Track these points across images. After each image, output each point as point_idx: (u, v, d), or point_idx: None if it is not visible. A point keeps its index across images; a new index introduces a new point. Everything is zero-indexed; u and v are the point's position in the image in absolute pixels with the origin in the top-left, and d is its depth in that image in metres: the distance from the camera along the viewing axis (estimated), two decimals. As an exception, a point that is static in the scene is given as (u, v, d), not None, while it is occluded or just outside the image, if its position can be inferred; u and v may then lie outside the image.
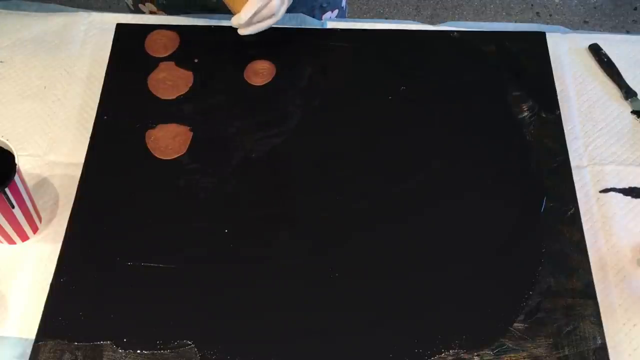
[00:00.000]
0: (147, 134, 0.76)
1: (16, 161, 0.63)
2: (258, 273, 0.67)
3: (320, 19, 0.98)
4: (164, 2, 0.90)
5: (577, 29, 1.28)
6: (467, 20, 2.02)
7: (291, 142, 0.77)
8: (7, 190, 0.62)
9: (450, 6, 2.07)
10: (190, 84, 0.81)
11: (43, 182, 0.74)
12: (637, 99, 0.81)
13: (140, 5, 0.94)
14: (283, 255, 0.68)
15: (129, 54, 0.83)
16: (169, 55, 0.83)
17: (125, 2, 0.98)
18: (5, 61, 0.84)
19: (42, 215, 0.71)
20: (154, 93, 0.80)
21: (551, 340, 0.63)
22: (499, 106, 0.79)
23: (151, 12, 0.94)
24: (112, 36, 0.84)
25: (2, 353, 0.63)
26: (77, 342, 0.63)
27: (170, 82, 0.81)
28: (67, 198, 0.73)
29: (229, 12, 0.89)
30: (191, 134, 0.77)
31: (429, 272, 0.67)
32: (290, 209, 0.71)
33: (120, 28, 0.85)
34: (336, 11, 1.00)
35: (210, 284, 0.67)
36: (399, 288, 0.66)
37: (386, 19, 1.98)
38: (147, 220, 0.71)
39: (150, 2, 0.93)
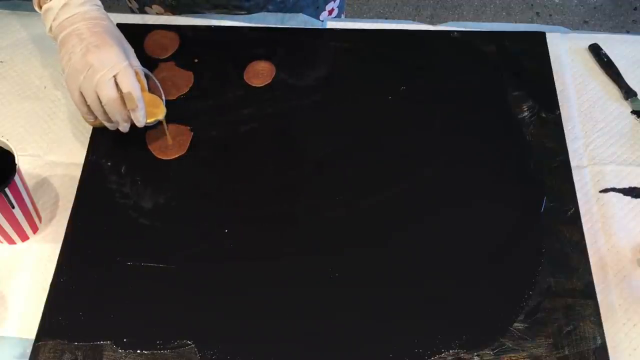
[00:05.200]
0: (147, 134, 0.76)
1: (16, 161, 0.63)
2: (258, 273, 0.67)
3: (324, 9, 0.98)
4: (173, 2, 0.90)
5: (577, 29, 1.28)
6: (467, 20, 2.02)
7: (291, 142, 0.77)
8: (7, 190, 0.62)
9: (450, 6, 2.07)
10: (190, 84, 0.81)
11: (43, 182, 0.74)
12: (637, 99, 0.81)
13: (147, 9, 0.94)
14: (283, 255, 0.68)
15: (129, 54, 0.83)
16: (169, 55, 0.83)
17: (130, 7, 0.98)
18: (5, 61, 0.84)
19: (42, 215, 0.71)
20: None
21: (551, 340, 0.63)
22: (499, 106, 0.79)
23: (158, 14, 0.94)
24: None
25: (2, 353, 0.63)
26: (77, 342, 0.63)
27: (170, 82, 0.81)
28: (67, 198, 0.73)
29: (232, 13, 0.90)
30: (191, 134, 0.77)
31: (429, 272, 0.67)
32: (290, 208, 0.71)
33: (120, 28, 0.85)
34: (338, 0, 1.00)
35: (210, 284, 0.67)
36: (399, 288, 0.66)
37: (386, 19, 1.98)
38: (147, 220, 0.71)
39: (158, 5, 0.92)
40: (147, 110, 0.71)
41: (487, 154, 0.75)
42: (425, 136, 0.77)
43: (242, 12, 0.90)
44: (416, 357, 0.62)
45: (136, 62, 0.72)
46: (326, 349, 0.63)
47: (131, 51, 0.73)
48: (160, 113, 0.73)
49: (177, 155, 0.75)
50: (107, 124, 0.72)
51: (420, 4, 2.07)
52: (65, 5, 0.69)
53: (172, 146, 0.75)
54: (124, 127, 0.72)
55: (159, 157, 0.75)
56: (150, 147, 0.75)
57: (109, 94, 0.67)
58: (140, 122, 0.70)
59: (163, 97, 0.74)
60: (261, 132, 0.77)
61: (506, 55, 0.83)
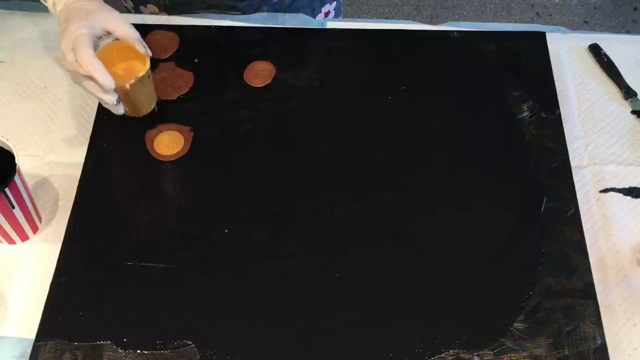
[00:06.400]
0: (147, 134, 0.76)
1: (16, 161, 0.63)
2: (258, 273, 0.67)
3: (320, 11, 0.98)
4: (167, 2, 0.90)
5: (577, 29, 1.28)
6: (467, 20, 2.02)
7: (291, 142, 0.77)
8: (7, 190, 0.62)
9: (450, 6, 2.07)
10: (190, 84, 0.81)
11: (43, 182, 0.74)
12: (637, 99, 0.81)
13: (142, 8, 0.94)
14: (283, 255, 0.68)
15: (129, 54, 0.83)
16: (169, 55, 0.83)
17: (125, 6, 0.98)
18: (5, 61, 0.84)
19: (42, 215, 0.71)
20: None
21: (551, 340, 0.63)
22: (499, 106, 0.79)
23: (153, 14, 0.94)
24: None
25: (2, 353, 0.63)
26: (77, 342, 0.63)
27: (170, 82, 0.81)
28: (67, 198, 0.73)
29: (233, 13, 0.90)
30: (192, 134, 0.77)
31: (429, 272, 0.67)
32: (290, 209, 0.71)
33: (120, 28, 0.85)
34: (334, 3, 1.00)
35: (210, 284, 0.67)
36: (399, 288, 0.66)
37: (386, 19, 1.98)
38: (147, 220, 0.71)
39: (153, 4, 0.92)
40: (127, 68, 0.70)
41: (487, 154, 0.75)
42: (425, 136, 0.77)
43: (237, 13, 0.90)
44: (416, 357, 0.62)
45: (120, 29, 0.70)
46: (326, 349, 0.63)
47: (112, 18, 0.70)
48: (141, 70, 0.71)
49: (177, 156, 0.75)
50: (110, 107, 0.72)
51: (420, 4, 2.07)
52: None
53: (173, 146, 0.75)
54: (109, 100, 0.69)
55: (159, 157, 0.75)
56: (150, 147, 0.75)
57: (69, 67, 0.67)
58: (105, 85, 0.67)
59: (149, 52, 0.72)
60: (261, 132, 0.77)
61: (506, 55, 0.83)
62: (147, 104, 0.76)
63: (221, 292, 0.66)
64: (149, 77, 0.72)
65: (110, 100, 0.70)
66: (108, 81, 0.67)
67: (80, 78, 0.68)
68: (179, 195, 0.72)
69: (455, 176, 0.74)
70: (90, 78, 0.67)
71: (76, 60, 0.67)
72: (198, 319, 0.65)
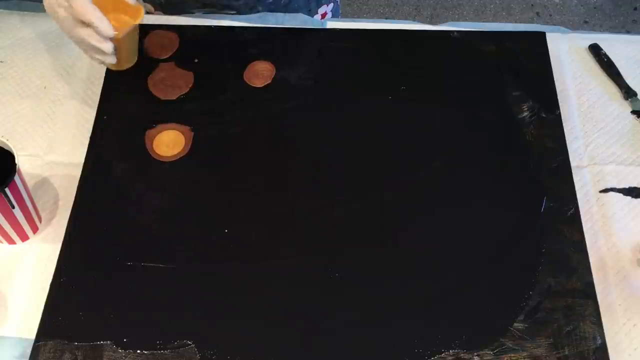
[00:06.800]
0: (147, 134, 0.76)
1: (16, 161, 0.63)
2: (258, 273, 0.67)
3: (316, 12, 0.98)
4: (162, 1, 0.90)
5: (577, 29, 1.28)
6: (467, 20, 2.02)
7: (291, 142, 0.77)
8: (7, 190, 0.62)
9: (450, 6, 2.07)
10: (190, 84, 0.81)
11: (43, 182, 0.74)
12: (637, 99, 0.81)
13: None
14: (283, 255, 0.68)
15: (129, 54, 0.83)
16: (169, 55, 0.83)
17: None
18: (5, 61, 0.84)
19: (42, 215, 0.71)
20: (154, 93, 0.80)
21: (551, 340, 0.63)
22: (499, 106, 0.79)
23: (148, 13, 0.94)
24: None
25: (2, 353, 0.63)
26: (77, 342, 0.63)
27: (170, 82, 0.81)
28: (67, 198, 0.73)
29: (228, 12, 0.90)
30: (192, 134, 0.77)
31: (429, 272, 0.67)
32: (290, 209, 0.71)
33: (120, 28, 0.85)
34: (331, 5, 1.00)
35: (210, 284, 0.67)
36: (399, 288, 0.66)
37: (386, 19, 1.98)
38: (147, 220, 0.71)
39: (148, 3, 0.92)
40: (116, 20, 0.70)
41: (487, 154, 0.75)
42: (425, 136, 0.77)
43: (232, 12, 0.90)
44: (416, 357, 0.62)
45: None
46: (326, 349, 0.63)
47: None
48: (134, 20, 0.71)
49: (177, 155, 0.75)
50: (102, 58, 0.71)
51: (420, 4, 2.07)
52: None
53: (173, 145, 0.75)
54: (106, 48, 0.68)
55: (159, 157, 0.75)
56: (150, 147, 0.75)
57: (61, 15, 0.67)
58: (104, 31, 0.66)
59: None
60: (261, 132, 0.77)
61: (506, 55, 0.83)
62: (131, 58, 0.77)
63: (221, 292, 0.66)
64: (135, 29, 0.73)
65: (108, 49, 0.68)
66: (108, 28, 0.66)
67: (73, 26, 0.66)
68: (178, 195, 0.72)
69: (455, 176, 0.74)
70: (86, 25, 0.66)
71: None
72: (198, 319, 0.65)
